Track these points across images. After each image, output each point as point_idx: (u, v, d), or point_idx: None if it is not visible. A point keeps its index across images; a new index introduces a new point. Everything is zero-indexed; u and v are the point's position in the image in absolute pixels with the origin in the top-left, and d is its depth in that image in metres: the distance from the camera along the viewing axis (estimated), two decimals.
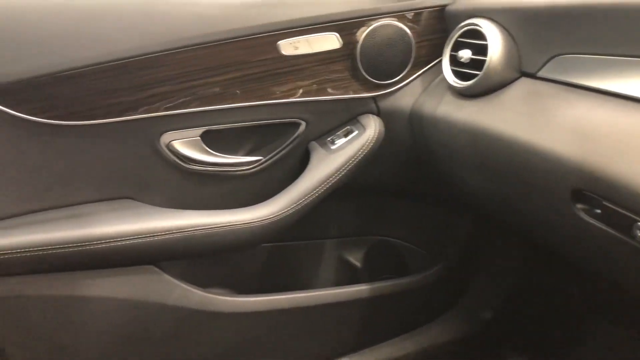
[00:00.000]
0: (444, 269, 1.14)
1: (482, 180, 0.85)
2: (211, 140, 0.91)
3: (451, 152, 0.89)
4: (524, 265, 1.17)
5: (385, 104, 0.97)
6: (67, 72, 0.79)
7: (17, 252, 0.80)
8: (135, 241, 0.84)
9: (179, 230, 0.87)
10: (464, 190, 0.94)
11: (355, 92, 0.95)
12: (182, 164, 0.90)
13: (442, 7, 0.93)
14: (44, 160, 0.84)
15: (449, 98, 0.88)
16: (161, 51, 0.82)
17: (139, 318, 0.90)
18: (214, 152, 0.92)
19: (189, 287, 0.93)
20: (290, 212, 0.91)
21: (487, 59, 0.80)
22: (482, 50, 0.81)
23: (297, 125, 0.96)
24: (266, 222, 0.90)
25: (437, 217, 1.16)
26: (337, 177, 0.93)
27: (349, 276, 1.16)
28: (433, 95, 0.92)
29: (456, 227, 1.14)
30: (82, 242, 0.81)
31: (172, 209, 0.91)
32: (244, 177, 0.95)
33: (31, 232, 0.81)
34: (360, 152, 0.93)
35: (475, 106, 0.82)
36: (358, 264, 1.16)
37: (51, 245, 0.81)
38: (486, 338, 1.20)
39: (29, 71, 0.78)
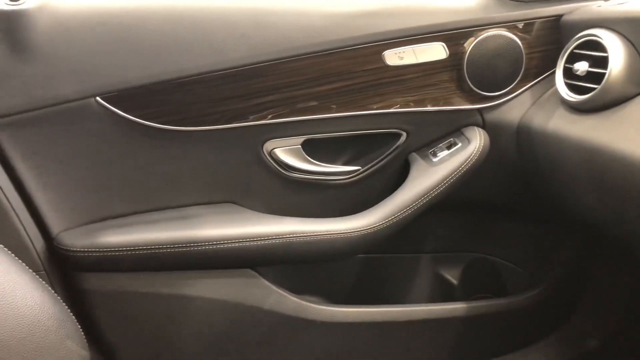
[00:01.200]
0: (546, 291, 1.09)
1: (596, 200, 0.80)
2: (312, 149, 0.93)
3: (562, 169, 0.85)
4: (638, 291, 1.09)
5: (491, 116, 0.94)
6: (179, 80, 0.83)
7: (126, 250, 0.85)
8: (236, 245, 0.87)
9: (278, 236, 0.89)
10: (575, 209, 0.89)
11: (460, 104, 0.93)
12: (283, 171, 0.92)
13: (557, 17, 0.89)
14: (155, 163, 0.88)
15: (561, 112, 0.84)
16: (269, 61, 0.85)
17: (236, 320, 0.93)
18: (314, 161, 0.93)
19: (284, 293, 0.94)
20: (388, 224, 0.91)
21: (607, 71, 0.75)
22: (600, 62, 0.77)
23: (398, 136, 0.95)
24: (364, 232, 0.90)
25: (541, 235, 1.11)
26: (438, 191, 0.91)
27: (444, 293, 1.14)
28: (543, 109, 0.88)
29: (562, 247, 1.08)
30: (187, 243, 0.85)
31: (272, 215, 0.93)
32: (342, 186, 0.96)
33: (140, 231, 0.86)
34: (463, 166, 0.91)
35: (591, 122, 0.78)
36: (454, 281, 1.13)
37: (158, 245, 0.85)
38: None
39: (144, 78, 0.83)
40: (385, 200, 0.93)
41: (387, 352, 1.04)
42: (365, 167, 0.96)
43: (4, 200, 0.80)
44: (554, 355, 1.13)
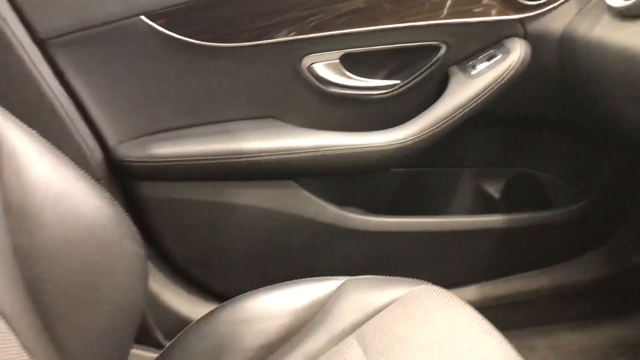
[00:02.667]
0: (589, 205, 1.10)
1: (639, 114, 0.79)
2: (350, 63, 0.95)
3: (606, 79, 0.83)
4: None
5: (533, 26, 0.92)
6: None
7: (177, 160, 0.92)
8: (278, 157, 0.93)
9: (317, 149, 0.94)
10: (619, 122, 0.88)
11: (501, 14, 0.91)
12: (321, 86, 0.95)
13: None
14: (199, 80, 0.93)
15: (607, 19, 0.82)
16: None
17: (279, 227, 1.01)
18: (352, 75, 0.96)
19: (324, 203, 1.01)
20: (425, 136, 0.93)
21: None
22: None
23: (438, 49, 0.95)
24: (401, 145, 0.93)
25: (586, 150, 1.10)
26: (476, 103, 0.92)
27: (486, 207, 1.17)
28: (588, 17, 0.86)
29: (606, 162, 1.08)
30: (232, 155, 0.92)
31: (312, 129, 0.98)
32: (380, 100, 0.98)
33: (188, 143, 0.93)
34: (501, 78, 0.91)
35: (635, 28, 0.76)
36: (496, 195, 1.16)
37: (205, 156, 0.92)
38: (632, 281, 1.15)
39: None
40: (422, 113, 0.95)
41: (425, 260, 1.09)
42: (405, 81, 0.97)
43: (64, 115, 0.88)
44: (596, 269, 1.16)
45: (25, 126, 0.67)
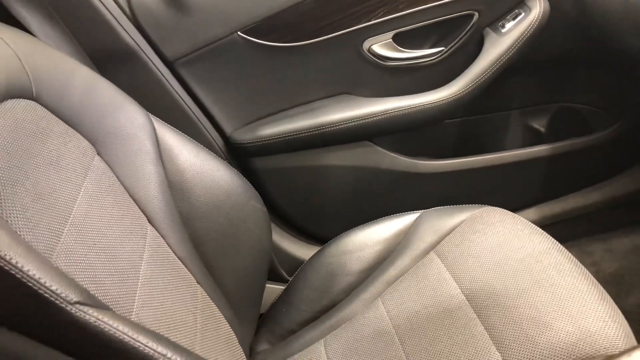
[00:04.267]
0: (625, 125, 1.23)
1: None
2: (401, 40, 1.13)
3: (612, 18, 0.98)
4: None
5: None
6: (291, 6, 1.06)
7: (278, 137, 1.14)
8: (354, 123, 1.13)
9: (385, 112, 1.13)
10: (632, 53, 1.03)
11: None
12: (381, 62, 1.13)
13: None
14: (286, 73, 1.13)
15: None
16: None
17: (361, 180, 1.20)
18: (404, 50, 1.13)
19: (396, 155, 1.20)
20: (470, 89, 1.12)
21: None
22: None
23: (471, 16, 1.12)
24: (450, 100, 1.12)
25: (618, 78, 1.23)
26: (508, 56, 1.09)
27: (534, 141, 1.31)
28: None
29: (634, 85, 1.20)
30: (319, 127, 1.12)
31: (378, 98, 1.16)
32: (430, 66, 1.15)
33: (285, 123, 1.14)
34: (527, 32, 1.08)
35: None
36: (542, 129, 1.31)
37: (299, 131, 1.13)
38: None
39: (266, 11, 1.06)
40: (465, 71, 1.13)
41: (485, 193, 1.26)
42: (447, 48, 1.14)
43: (192, 115, 1.11)
44: (636, 184, 1.29)
45: (171, 127, 0.87)
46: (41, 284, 0.42)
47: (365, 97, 1.17)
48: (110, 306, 0.57)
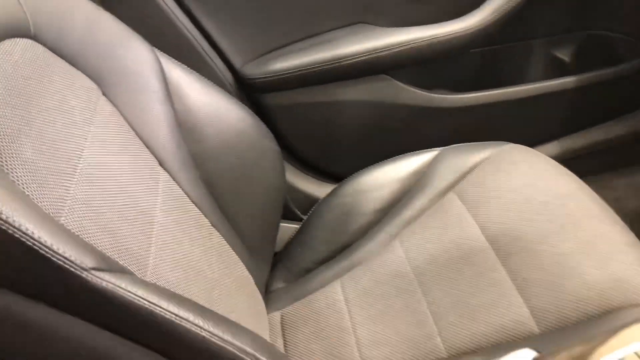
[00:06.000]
0: None
1: None
2: None
3: None
4: None
5: None
6: None
7: (290, 72, 1.10)
8: (372, 56, 1.08)
9: (405, 43, 1.08)
10: None
11: None
12: None
13: None
14: (298, 0, 1.08)
15: None
16: None
17: (377, 115, 1.17)
18: None
19: (415, 89, 1.16)
20: (495, 17, 1.06)
21: None
22: None
23: None
24: (475, 28, 1.07)
25: None
26: None
27: (559, 73, 1.26)
28: None
29: None
30: (333, 60, 1.08)
31: (398, 28, 1.11)
32: None
33: (298, 57, 1.10)
34: None
35: None
36: (567, 59, 1.26)
37: (312, 65, 1.09)
38: None
39: None
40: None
41: (507, 127, 1.23)
42: None
43: (200, 50, 1.08)
44: None
45: (179, 63, 0.84)
46: (54, 251, 0.40)
47: (383, 27, 1.13)
48: (127, 259, 0.56)
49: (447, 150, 0.94)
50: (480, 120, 1.22)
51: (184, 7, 1.05)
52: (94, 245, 0.51)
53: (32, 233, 0.40)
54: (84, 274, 0.41)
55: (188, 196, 0.76)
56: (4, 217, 0.39)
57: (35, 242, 0.40)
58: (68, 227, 0.50)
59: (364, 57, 1.08)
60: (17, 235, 0.39)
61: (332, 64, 1.09)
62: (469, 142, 0.96)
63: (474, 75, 1.29)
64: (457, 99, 1.19)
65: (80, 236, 0.50)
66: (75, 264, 0.41)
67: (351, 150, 1.23)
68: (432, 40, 1.08)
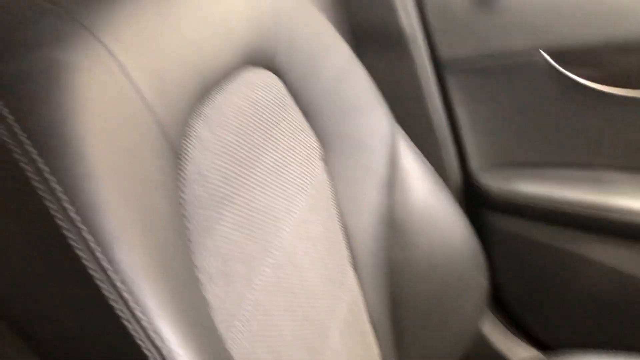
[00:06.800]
0: None
1: None
2: None
3: None
4: None
5: None
6: (621, 43, 0.80)
7: (537, 200, 0.88)
8: None
9: None
10: None
11: None
12: None
13: None
14: (578, 121, 0.87)
15: None
16: None
17: (632, 293, 0.89)
18: None
19: None
20: None
21: None
22: None
23: None
24: None
25: None
26: None
27: None
28: None
29: None
30: (600, 209, 0.84)
31: None
32: None
33: (552, 185, 0.89)
34: None
35: None
36: None
37: (569, 203, 0.86)
38: None
39: (589, 37, 0.81)
40: None
41: None
42: None
43: (438, 134, 0.91)
44: None
45: (413, 145, 0.70)
46: None
47: None
48: None
49: None
50: None
51: (443, 82, 0.90)
52: None
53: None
54: None
55: (369, 314, 0.63)
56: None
57: None
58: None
59: None
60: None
61: (599, 211, 0.85)
62: None
63: None
64: None
65: None
66: None
67: (572, 319, 0.97)
68: None
